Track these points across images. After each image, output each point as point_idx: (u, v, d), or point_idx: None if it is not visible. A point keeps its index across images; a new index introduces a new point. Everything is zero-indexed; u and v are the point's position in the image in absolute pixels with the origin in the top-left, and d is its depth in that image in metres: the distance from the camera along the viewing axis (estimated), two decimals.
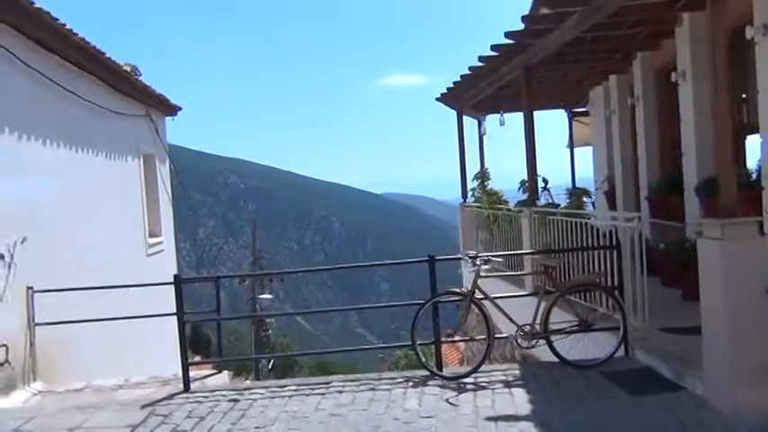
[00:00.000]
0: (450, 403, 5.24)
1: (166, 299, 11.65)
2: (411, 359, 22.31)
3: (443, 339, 6.47)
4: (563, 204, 10.25)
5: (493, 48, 9.09)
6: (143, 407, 5.63)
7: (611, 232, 7.36)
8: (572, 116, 16.35)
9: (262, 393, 5.83)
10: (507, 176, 13.19)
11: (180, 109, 13.92)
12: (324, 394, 5.67)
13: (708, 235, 4.86)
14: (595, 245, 7.23)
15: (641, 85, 10.23)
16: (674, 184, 9.06)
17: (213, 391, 6.04)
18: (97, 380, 7.73)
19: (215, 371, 7.77)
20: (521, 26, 8.28)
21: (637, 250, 6.17)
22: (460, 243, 13.68)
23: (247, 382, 17.84)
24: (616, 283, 6.31)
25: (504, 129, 14.95)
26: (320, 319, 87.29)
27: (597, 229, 7.67)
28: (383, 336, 75.75)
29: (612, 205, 12.12)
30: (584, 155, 16.89)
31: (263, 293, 26.63)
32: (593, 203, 12.34)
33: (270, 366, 29.37)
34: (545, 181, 12.62)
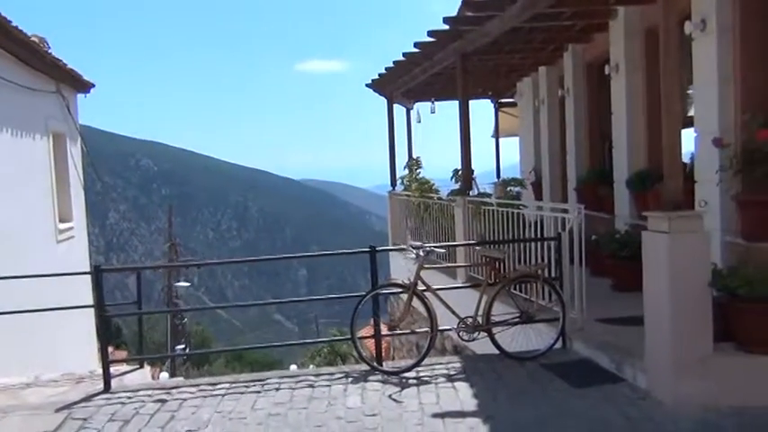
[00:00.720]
0: (394, 400, 5.05)
1: (79, 288, 10.96)
2: (334, 347, 22.11)
3: (385, 333, 6.27)
4: (494, 195, 10.28)
5: (429, 33, 8.93)
6: (58, 410, 5.13)
7: (537, 222, 7.40)
8: (498, 106, 16.50)
9: (192, 392, 5.44)
10: (434, 165, 13.13)
11: (93, 86, 13.04)
12: (259, 392, 5.36)
13: (654, 228, 4.87)
14: (529, 236, 7.25)
15: (572, 78, 10.35)
16: (604, 177, 9.24)
17: (137, 390, 5.59)
18: (2, 378, 7.08)
19: (136, 366, 7.28)
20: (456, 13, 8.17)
21: (576, 242, 6.18)
22: (389, 232, 13.54)
23: (164, 375, 17.14)
24: (555, 275, 6.30)
25: (431, 117, 14.91)
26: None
27: (529, 220, 7.71)
28: (301, 323, 75.22)
29: (539, 196, 12.29)
30: (507, 145, 17.16)
31: (179, 281, 25.70)
32: (518, 193, 12.49)
33: (185, 357, 28.49)
34: (471, 171, 12.64)
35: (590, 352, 5.88)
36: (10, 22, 8.54)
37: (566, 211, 6.97)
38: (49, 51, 10.63)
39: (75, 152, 12.47)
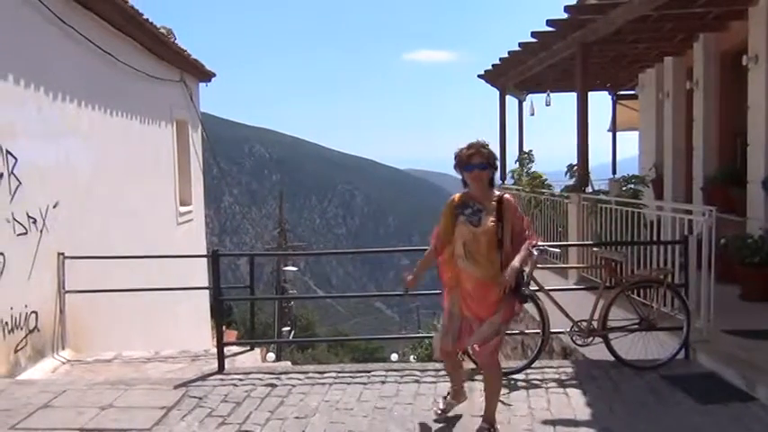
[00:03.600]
0: (502, 402, 4.87)
1: (196, 268, 11.49)
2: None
3: None
4: (611, 192, 9.81)
5: (548, 22, 8.63)
6: (176, 387, 5.36)
7: (658, 223, 6.94)
8: (616, 99, 15.76)
9: (300, 379, 5.53)
10: (543, 158, 12.68)
11: (214, 75, 13.59)
12: (366, 384, 5.36)
13: None
14: (648, 237, 6.84)
15: (702, 69, 9.66)
16: (735, 176, 8.58)
17: (248, 373, 5.75)
18: (126, 351, 7.55)
19: (247, 348, 7.52)
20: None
21: (705, 246, 5.75)
22: None
23: (271, 356, 17.75)
24: (681, 280, 5.89)
25: (542, 110, 14.45)
26: (338, 290, 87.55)
27: (650, 220, 7.28)
28: (402, 312, 75.79)
29: (659, 194, 11.62)
30: (621, 140, 16.37)
31: (287, 266, 26.52)
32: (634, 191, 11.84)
33: (291, 336, 29.34)
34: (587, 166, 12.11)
35: (716, 365, 5.46)
36: (142, 14, 9.01)
37: (689, 212, 6.52)
38: (175, 42, 11.15)
39: (195, 138, 13.07)
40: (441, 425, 4.50)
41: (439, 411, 4.60)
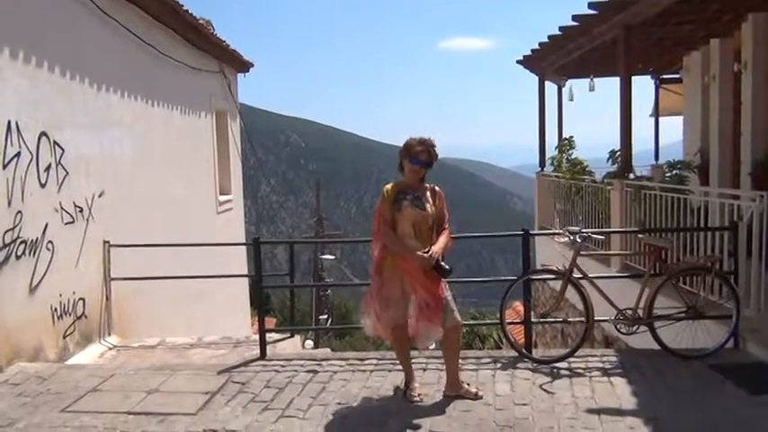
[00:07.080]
0: (546, 390, 4.84)
1: (235, 257, 11.62)
2: (473, 328, 21.80)
3: (536, 320, 6.03)
4: (655, 178, 9.59)
5: (590, 5, 8.46)
6: (220, 372, 5.44)
7: (703, 209, 6.76)
8: (659, 83, 15.36)
9: (341, 366, 5.56)
10: (580, 144, 12.44)
11: (252, 65, 13.66)
12: None
13: None
14: (694, 224, 6.68)
15: (751, 51, 9.33)
16: None
17: (290, 359, 5.80)
18: (170, 337, 7.69)
19: (287, 335, 7.59)
20: None
21: (756, 233, 5.58)
22: (535, 214, 13.13)
23: (309, 343, 17.93)
24: (729, 268, 5.74)
25: (581, 95, 14.17)
26: None
27: (697, 206, 7.09)
28: None
29: (705, 181, 11.31)
30: (665, 125, 15.97)
31: (324, 254, 26.66)
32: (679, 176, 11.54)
33: (328, 323, 29.55)
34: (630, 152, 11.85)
35: (767, 355, 5.31)
36: (181, 6, 9.10)
37: (737, 197, 6.34)
38: (214, 33, 11.24)
39: (234, 128, 13.19)
40: (483, 413, 4.47)
41: (418, 397, 4.67)
